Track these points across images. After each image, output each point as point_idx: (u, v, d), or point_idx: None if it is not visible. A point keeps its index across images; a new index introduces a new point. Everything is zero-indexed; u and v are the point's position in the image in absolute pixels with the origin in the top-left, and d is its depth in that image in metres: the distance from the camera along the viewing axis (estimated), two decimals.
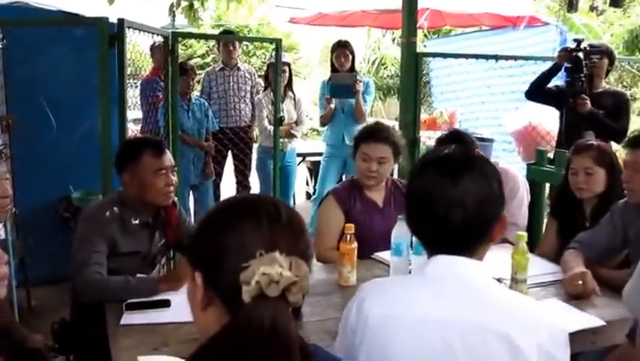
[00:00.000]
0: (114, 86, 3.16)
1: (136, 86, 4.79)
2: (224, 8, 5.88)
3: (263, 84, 5.25)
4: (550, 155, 3.57)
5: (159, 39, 3.76)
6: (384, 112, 11.02)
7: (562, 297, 2.08)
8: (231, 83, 5.22)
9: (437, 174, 1.27)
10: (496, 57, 4.33)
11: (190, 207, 4.76)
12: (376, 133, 2.67)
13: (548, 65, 4.09)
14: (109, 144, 3.11)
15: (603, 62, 3.96)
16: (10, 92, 3.69)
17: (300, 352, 0.88)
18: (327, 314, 1.94)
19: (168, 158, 2.34)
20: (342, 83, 4.71)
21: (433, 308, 1.23)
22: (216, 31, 8.54)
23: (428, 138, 5.02)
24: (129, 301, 1.96)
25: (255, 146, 5.42)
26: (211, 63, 9.33)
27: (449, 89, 7.17)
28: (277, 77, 4.30)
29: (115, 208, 2.27)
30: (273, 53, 4.47)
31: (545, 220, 3.09)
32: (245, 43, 10.93)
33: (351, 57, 4.79)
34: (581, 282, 2.07)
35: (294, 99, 5.08)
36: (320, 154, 5.28)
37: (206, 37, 8.17)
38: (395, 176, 3.13)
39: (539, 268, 2.31)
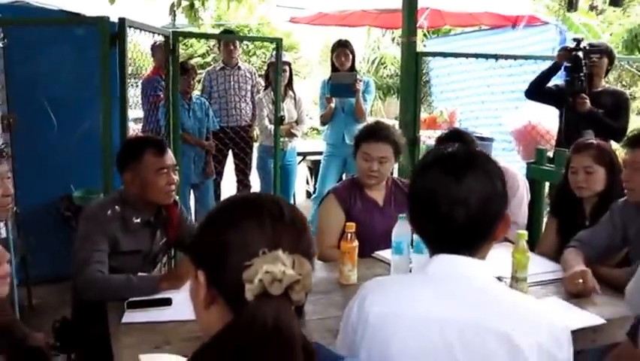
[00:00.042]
0: (115, 85, 3.16)
1: (136, 86, 4.80)
2: (224, 8, 5.88)
3: (263, 83, 5.25)
4: (550, 154, 3.57)
5: (160, 38, 3.77)
6: (383, 111, 11.03)
7: (562, 295, 2.09)
8: (232, 83, 5.22)
9: (441, 173, 1.27)
10: (496, 56, 4.33)
11: (191, 206, 4.76)
12: (377, 133, 2.67)
13: (548, 64, 4.09)
14: (110, 143, 3.11)
15: (603, 61, 3.96)
16: (11, 92, 3.69)
17: (303, 350, 0.88)
18: (328, 313, 1.95)
19: (170, 157, 2.34)
20: (342, 83, 4.71)
21: (434, 307, 1.23)
22: (216, 31, 8.53)
23: (428, 137, 5.02)
24: (131, 299, 1.96)
25: (256, 145, 5.43)
26: (211, 63, 9.33)
27: (449, 88, 7.17)
28: (278, 76, 4.30)
29: (116, 207, 2.28)
30: (274, 52, 4.48)
31: (545, 219, 3.10)
32: (245, 42, 10.93)
33: (351, 56, 4.79)
34: (581, 280, 2.08)
35: (295, 98, 5.09)
36: (320, 153, 5.28)
37: (207, 36, 8.16)
38: (395, 175, 3.13)
39: (539, 266, 2.32)
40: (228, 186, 5.59)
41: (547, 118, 4.77)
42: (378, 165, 2.66)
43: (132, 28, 3.27)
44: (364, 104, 4.81)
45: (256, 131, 5.43)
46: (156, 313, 1.91)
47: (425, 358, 1.21)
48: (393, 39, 11.82)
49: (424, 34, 9.36)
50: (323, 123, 5.08)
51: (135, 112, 4.78)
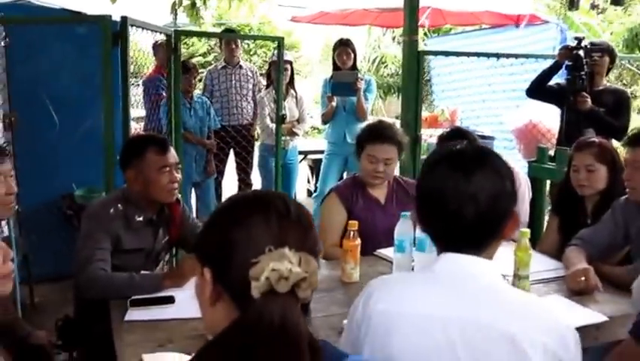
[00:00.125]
0: (117, 84, 3.16)
1: (138, 85, 4.80)
2: (225, 7, 5.88)
3: (264, 82, 5.26)
4: (551, 152, 3.58)
5: (162, 37, 3.77)
6: (384, 110, 11.03)
7: (564, 293, 2.10)
8: (233, 82, 5.22)
9: (449, 170, 1.26)
10: (497, 55, 4.33)
11: (192, 205, 4.77)
12: (382, 134, 2.66)
13: (549, 63, 4.10)
14: (112, 142, 3.11)
15: (604, 60, 3.96)
16: (13, 90, 3.69)
17: (309, 347, 0.88)
18: (330, 310, 1.95)
19: (172, 155, 2.34)
20: (343, 81, 4.71)
21: (438, 305, 1.22)
22: (217, 30, 8.54)
23: (429, 136, 5.03)
24: (133, 297, 1.97)
25: (257, 144, 5.43)
26: (212, 62, 9.33)
27: (450, 87, 7.18)
28: (279, 75, 4.30)
29: (119, 205, 2.28)
30: (275, 51, 4.48)
31: (546, 217, 3.11)
32: (246, 41, 10.93)
33: (352, 55, 4.79)
34: (583, 278, 2.08)
35: (296, 97, 5.09)
36: (321, 152, 5.29)
37: (209, 35, 8.15)
38: (397, 173, 3.13)
39: (541, 264, 2.32)
40: (230, 185, 5.59)
41: (549, 117, 4.77)
42: (384, 167, 2.66)
43: (134, 27, 3.27)
44: (366, 103, 4.81)
45: (257, 130, 5.43)
46: (159, 311, 1.92)
47: (427, 355, 1.21)
48: (393, 38, 11.83)
49: (425, 34, 9.36)
50: (324, 122, 5.08)
51: (137, 111, 4.79)
